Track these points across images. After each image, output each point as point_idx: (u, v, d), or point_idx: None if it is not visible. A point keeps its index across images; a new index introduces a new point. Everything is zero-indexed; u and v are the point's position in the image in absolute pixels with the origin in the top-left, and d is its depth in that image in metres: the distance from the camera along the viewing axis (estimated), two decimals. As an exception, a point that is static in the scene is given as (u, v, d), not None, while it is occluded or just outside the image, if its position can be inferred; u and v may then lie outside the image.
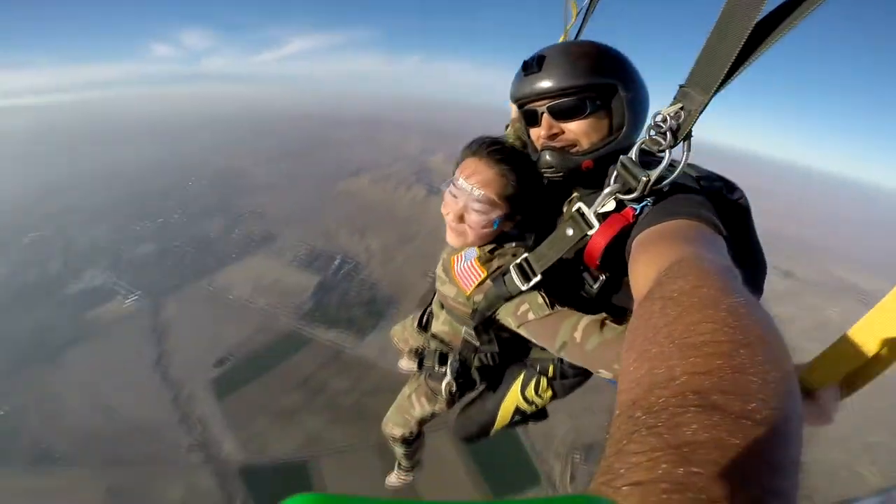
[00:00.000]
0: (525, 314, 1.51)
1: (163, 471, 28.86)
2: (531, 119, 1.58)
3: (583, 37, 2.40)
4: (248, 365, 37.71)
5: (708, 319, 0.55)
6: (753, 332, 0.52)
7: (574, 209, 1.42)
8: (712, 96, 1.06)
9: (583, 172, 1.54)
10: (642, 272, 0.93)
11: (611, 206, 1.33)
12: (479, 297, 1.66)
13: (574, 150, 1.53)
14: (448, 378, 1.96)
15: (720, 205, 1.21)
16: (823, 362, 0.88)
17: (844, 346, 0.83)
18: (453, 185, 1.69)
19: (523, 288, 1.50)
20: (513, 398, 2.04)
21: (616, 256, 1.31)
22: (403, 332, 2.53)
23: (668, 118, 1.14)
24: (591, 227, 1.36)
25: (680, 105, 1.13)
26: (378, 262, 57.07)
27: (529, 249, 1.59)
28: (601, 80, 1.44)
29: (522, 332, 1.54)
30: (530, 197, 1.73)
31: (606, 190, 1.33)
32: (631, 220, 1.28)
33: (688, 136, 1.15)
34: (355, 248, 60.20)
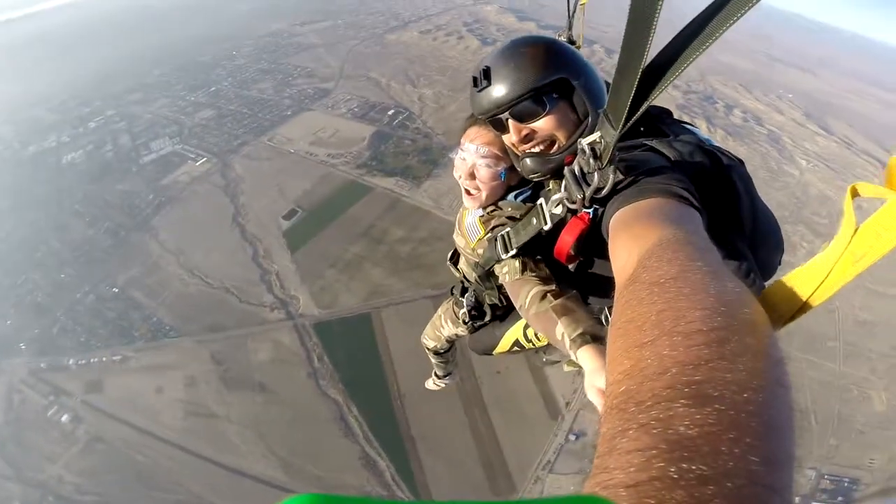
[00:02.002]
0: (504, 275, 1.71)
1: (252, 332, 30.49)
2: (499, 127, 1.64)
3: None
4: (314, 216, 38.47)
5: (697, 306, 0.53)
6: (742, 318, 0.51)
7: (538, 203, 1.53)
8: (621, 132, 1.06)
9: (567, 164, 1.54)
10: (623, 255, 0.90)
11: (558, 210, 1.43)
12: (480, 251, 1.90)
13: (553, 147, 1.61)
14: (464, 309, 2.27)
15: (701, 181, 1.21)
16: (772, 297, 0.91)
17: (792, 280, 0.87)
18: (461, 149, 1.85)
19: (504, 257, 1.68)
20: (515, 332, 2.18)
21: (583, 249, 1.42)
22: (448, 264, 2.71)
23: (590, 145, 1.17)
24: (545, 222, 1.48)
25: (599, 134, 1.16)
26: (431, 111, 54.82)
27: (523, 217, 1.65)
28: (551, 76, 1.48)
29: (505, 287, 1.77)
30: None
31: (555, 196, 1.42)
32: (587, 223, 1.36)
33: (612, 161, 1.16)
34: (408, 98, 57.76)
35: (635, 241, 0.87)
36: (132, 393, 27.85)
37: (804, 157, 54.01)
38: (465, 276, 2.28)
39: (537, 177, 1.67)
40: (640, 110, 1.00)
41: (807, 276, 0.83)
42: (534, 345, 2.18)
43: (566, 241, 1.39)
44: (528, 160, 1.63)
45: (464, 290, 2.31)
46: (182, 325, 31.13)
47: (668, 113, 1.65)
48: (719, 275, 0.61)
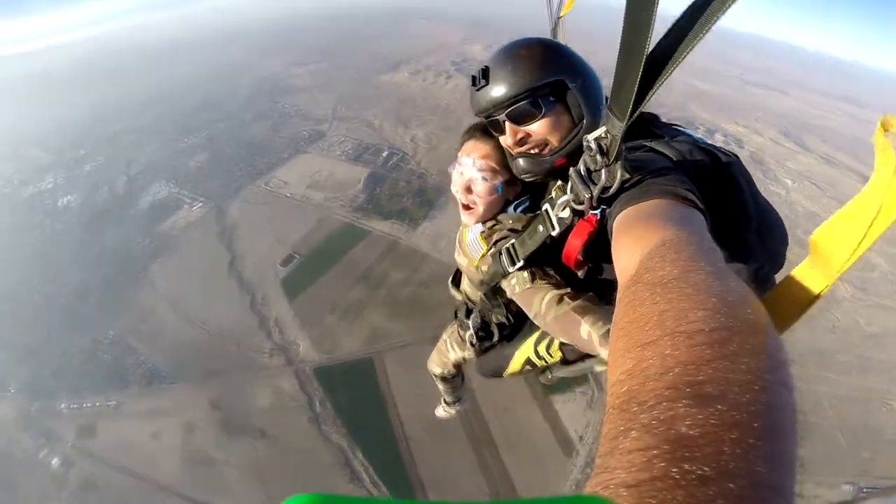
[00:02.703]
0: (513, 287, 1.64)
1: (251, 377, 30.18)
2: (496, 128, 1.66)
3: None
4: (312, 261, 38.62)
5: (699, 306, 0.53)
6: (745, 319, 0.51)
7: (543, 209, 1.49)
8: (628, 123, 1.05)
9: (558, 169, 1.60)
10: (625, 256, 0.90)
11: (565, 214, 1.39)
12: (484, 268, 1.82)
13: (546, 149, 1.60)
14: (471, 331, 2.19)
15: (703, 180, 1.22)
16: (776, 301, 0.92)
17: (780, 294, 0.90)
18: (458, 164, 1.86)
19: (510, 270, 1.62)
20: (526, 350, 2.10)
21: (592, 253, 1.38)
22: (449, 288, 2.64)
23: (597, 141, 1.17)
24: (553, 228, 1.44)
25: (605, 129, 1.16)
26: (424, 151, 55.82)
27: (525, 227, 1.65)
28: (548, 78, 1.49)
29: (514, 299, 1.69)
30: None
31: (562, 199, 1.37)
32: (595, 225, 1.33)
33: (619, 157, 1.16)
34: (401, 139, 58.87)
35: (637, 242, 0.87)
36: (127, 438, 27.19)
37: (788, 177, 55.46)
38: (468, 297, 2.26)
39: (529, 177, 1.68)
40: (647, 99, 0.99)
41: (846, 224, 0.81)
42: (546, 361, 2.08)
43: (574, 245, 1.36)
44: (520, 161, 1.65)
45: (468, 312, 2.26)
46: (179, 371, 30.73)
47: (657, 117, 1.64)
48: (722, 275, 0.60)
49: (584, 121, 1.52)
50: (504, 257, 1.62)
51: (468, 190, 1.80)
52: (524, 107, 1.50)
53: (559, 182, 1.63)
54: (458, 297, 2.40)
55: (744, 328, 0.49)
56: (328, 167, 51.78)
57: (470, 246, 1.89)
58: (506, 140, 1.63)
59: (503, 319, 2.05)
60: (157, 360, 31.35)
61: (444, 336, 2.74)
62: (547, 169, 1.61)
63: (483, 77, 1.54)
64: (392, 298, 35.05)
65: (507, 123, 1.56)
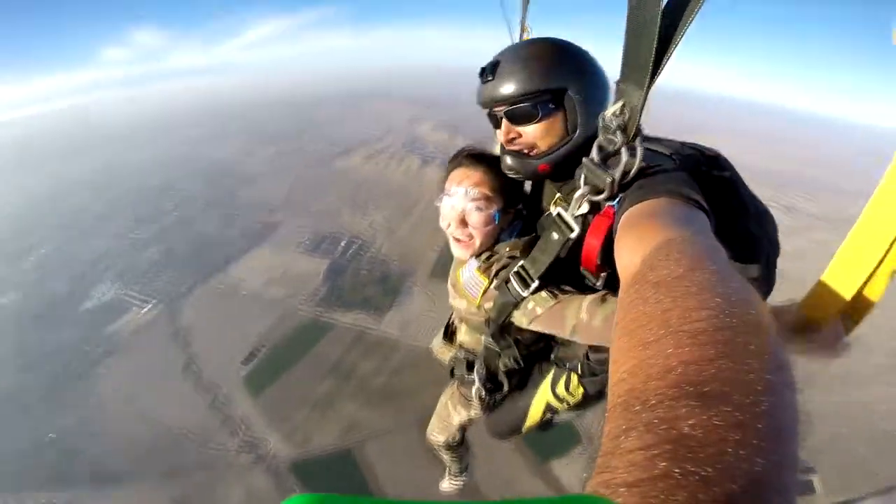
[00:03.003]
0: (533, 310, 1.58)
1: (219, 475, 29.43)
2: (494, 122, 1.70)
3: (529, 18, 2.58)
4: (275, 358, 38.29)
5: (703, 306, 0.54)
6: (749, 320, 0.52)
7: (555, 214, 1.47)
8: (647, 91, 1.09)
9: (540, 174, 1.67)
10: (627, 255, 0.93)
11: (584, 208, 1.37)
12: (488, 305, 1.76)
13: (533, 152, 1.64)
14: (476, 384, 2.11)
15: (700, 179, 1.24)
16: (819, 293, 0.92)
17: (835, 273, 0.86)
18: (447, 196, 1.82)
19: (525, 294, 1.58)
20: (543, 396, 2.04)
21: (609, 257, 1.29)
22: (440, 344, 2.51)
23: (615, 117, 1.19)
24: (571, 230, 1.42)
25: (622, 103, 1.18)
26: (384, 236, 57.31)
27: (526, 250, 1.68)
28: (551, 85, 1.51)
29: (535, 326, 1.62)
30: (519, 188, 1.91)
31: (578, 193, 1.36)
32: (612, 219, 1.30)
33: (638, 133, 1.19)
34: (359, 226, 60.19)
35: (640, 241, 0.89)
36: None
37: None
38: (468, 349, 2.15)
39: (512, 175, 1.71)
40: (668, 56, 1.03)
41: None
42: (568, 402, 1.99)
43: (593, 245, 1.36)
44: (508, 157, 1.68)
45: (469, 366, 2.13)
46: (134, 471, 29.52)
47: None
48: (725, 275, 0.62)
49: (578, 132, 1.56)
50: (514, 283, 1.58)
51: (462, 223, 1.77)
52: (522, 109, 1.54)
53: (557, 195, 1.71)
54: (449, 353, 2.32)
55: (747, 328, 0.50)
56: (285, 261, 51.98)
57: (468, 285, 1.82)
58: (499, 135, 1.67)
59: (512, 364, 1.96)
60: (108, 460, 29.98)
61: (444, 399, 2.64)
62: (530, 171, 1.65)
63: (491, 72, 1.56)
64: (365, 388, 34.75)
65: (503, 121, 1.60)
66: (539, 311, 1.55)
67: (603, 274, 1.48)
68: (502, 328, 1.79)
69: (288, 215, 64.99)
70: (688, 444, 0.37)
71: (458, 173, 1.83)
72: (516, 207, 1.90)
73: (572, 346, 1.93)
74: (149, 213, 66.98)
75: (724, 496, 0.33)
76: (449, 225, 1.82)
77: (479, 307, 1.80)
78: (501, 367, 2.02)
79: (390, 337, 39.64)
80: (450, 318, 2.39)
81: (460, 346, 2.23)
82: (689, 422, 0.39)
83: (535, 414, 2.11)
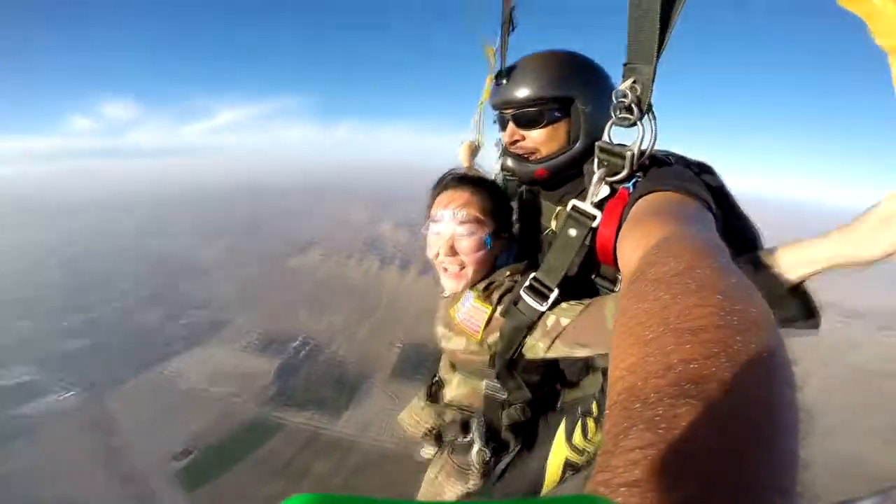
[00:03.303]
0: (556, 325, 1.44)
1: None
2: (502, 124, 1.76)
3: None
4: (216, 455, 37.07)
5: (703, 303, 0.55)
6: (749, 318, 0.53)
7: (569, 209, 1.46)
8: (656, 64, 1.22)
9: (537, 179, 1.72)
10: (631, 250, 0.96)
11: (605, 191, 1.40)
12: (493, 339, 1.62)
13: (533, 157, 1.70)
14: (478, 445, 1.81)
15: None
16: None
17: None
18: (433, 222, 1.74)
19: (542, 308, 1.46)
20: (559, 452, 1.84)
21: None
22: (412, 416, 2.23)
23: (628, 93, 1.27)
24: (592, 218, 1.39)
25: (632, 79, 1.27)
26: (342, 338, 57.59)
27: (531, 269, 1.59)
28: (560, 94, 1.59)
29: (558, 348, 1.45)
30: (508, 210, 1.86)
31: (595, 178, 1.41)
32: (628, 200, 1.32)
33: (650, 108, 1.28)
34: (315, 327, 60.40)
35: (642, 237, 0.92)
36: None
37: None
38: (461, 405, 1.92)
39: (510, 176, 1.82)
40: (668, 38, 1.17)
41: None
42: (588, 451, 1.80)
43: (607, 235, 1.32)
44: (508, 159, 1.74)
45: (465, 426, 1.88)
46: None
47: None
48: (726, 272, 0.63)
49: (579, 143, 1.62)
50: (528, 299, 1.48)
51: (452, 251, 1.68)
52: (528, 113, 1.61)
53: (558, 209, 1.73)
54: (430, 419, 2.07)
55: (747, 325, 0.51)
56: (232, 359, 51.09)
57: (467, 318, 1.68)
58: (504, 136, 1.73)
59: (518, 415, 1.79)
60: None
61: (431, 475, 2.17)
62: (527, 174, 1.70)
63: (507, 75, 1.64)
64: (321, 488, 30.31)
65: (510, 123, 1.67)
66: (565, 322, 1.42)
67: (619, 276, 1.49)
68: (510, 364, 1.64)
69: (237, 313, 64.50)
70: (686, 443, 0.38)
71: (444, 197, 1.75)
72: (509, 232, 1.84)
73: (581, 385, 1.85)
74: (84, 302, 65.25)
75: (724, 496, 0.34)
76: (437, 254, 1.71)
77: (481, 342, 1.64)
78: (505, 421, 1.82)
79: (347, 437, 39.07)
80: (432, 377, 2.16)
81: (449, 404, 1.97)
82: (689, 420, 0.40)
83: (553, 475, 1.87)
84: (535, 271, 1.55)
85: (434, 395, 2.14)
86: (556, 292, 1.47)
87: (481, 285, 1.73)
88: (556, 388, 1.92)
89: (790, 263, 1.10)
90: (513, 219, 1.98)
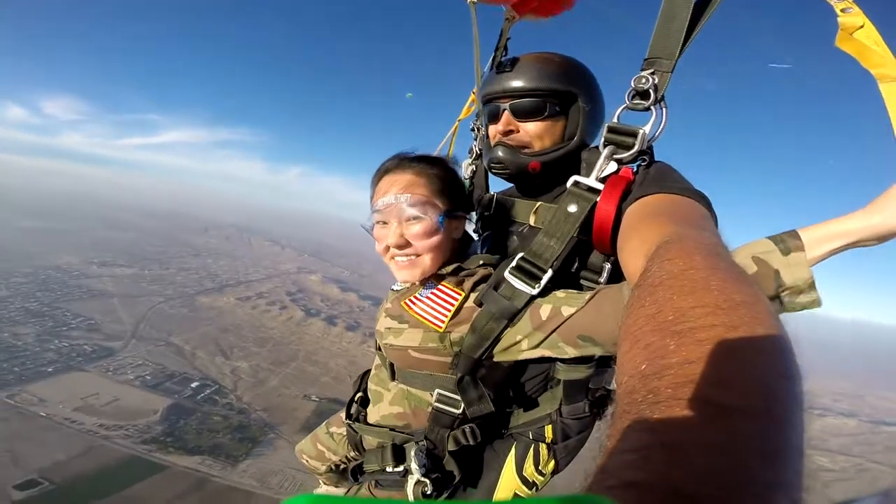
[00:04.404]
0: (556, 314, 1.28)
1: None
2: (493, 116, 1.68)
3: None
4: (66, 491, 33.50)
5: (698, 303, 0.56)
6: (744, 314, 0.53)
7: (569, 185, 1.39)
8: (677, 60, 1.33)
9: (528, 173, 1.63)
10: (633, 256, 0.97)
11: (612, 167, 1.36)
12: (458, 334, 1.42)
13: (525, 151, 1.63)
14: (417, 475, 1.49)
15: None
16: None
17: None
18: (375, 213, 1.51)
19: (533, 291, 1.32)
20: (508, 484, 1.61)
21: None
22: (316, 446, 2.08)
23: (648, 78, 1.33)
24: (597, 192, 1.32)
25: (652, 69, 1.33)
26: (248, 385, 54.51)
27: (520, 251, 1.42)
28: (564, 87, 1.58)
29: (558, 342, 1.30)
30: (461, 186, 1.66)
31: (604, 153, 1.36)
32: (632, 178, 1.32)
33: (663, 98, 1.34)
34: (218, 371, 57.16)
35: (643, 242, 0.93)
36: None
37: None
38: (392, 427, 1.61)
39: (500, 168, 1.64)
40: (692, 37, 1.31)
41: None
42: (538, 487, 1.64)
43: (606, 211, 1.27)
44: (499, 150, 1.62)
45: (397, 452, 1.57)
46: None
47: None
48: (724, 271, 0.64)
49: (574, 140, 1.61)
50: (515, 281, 1.34)
51: (402, 240, 1.46)
52: (530, 103, 1.58)
53: (538, 204, 1.66)
54: (341, 449, 1.99)
55: (744, 322, 0.52)
56: (112, 390, 47.30)
57: (428, 305, 1.48)
58: (496, 128, 1.66)
59: (466, 438, 1.51)
60: None
61: None
62: (520, 165, 1.61)
63: (510, 64, 1.62)
64: None
65: (505, 112, 1.62)
66: (569, 310, 1.26)
67: (608, 266, 1.43)
68: (475, 367, 1.43)
69: (131, 343, 60.06)
70: (684, 444, 0.39)
71: (384, 182, 1.55)
72: (466, 212, 1.68)
73: (538, 404, 1.65)
74: None
75: (724, 495, 0.34)
76: (387, 248, 1.51)
77: (443, 336, 1.42)
78: (451, 446, 1.52)
79: (242, 487, 36.33)
80: (354, 394, 1.87)
81: (373, 427, 1.66)
82: (686, 421, 0.41)
83: None
84: (525, 251, 1.40)
85: (356, 415, 1.79)
86: (549, 273, 1.33)
87: (449, 268, 1.51)
88: (507, 409, 1.65)
89: (820, 237, 1.14)
90: (469, 196, 1.86)
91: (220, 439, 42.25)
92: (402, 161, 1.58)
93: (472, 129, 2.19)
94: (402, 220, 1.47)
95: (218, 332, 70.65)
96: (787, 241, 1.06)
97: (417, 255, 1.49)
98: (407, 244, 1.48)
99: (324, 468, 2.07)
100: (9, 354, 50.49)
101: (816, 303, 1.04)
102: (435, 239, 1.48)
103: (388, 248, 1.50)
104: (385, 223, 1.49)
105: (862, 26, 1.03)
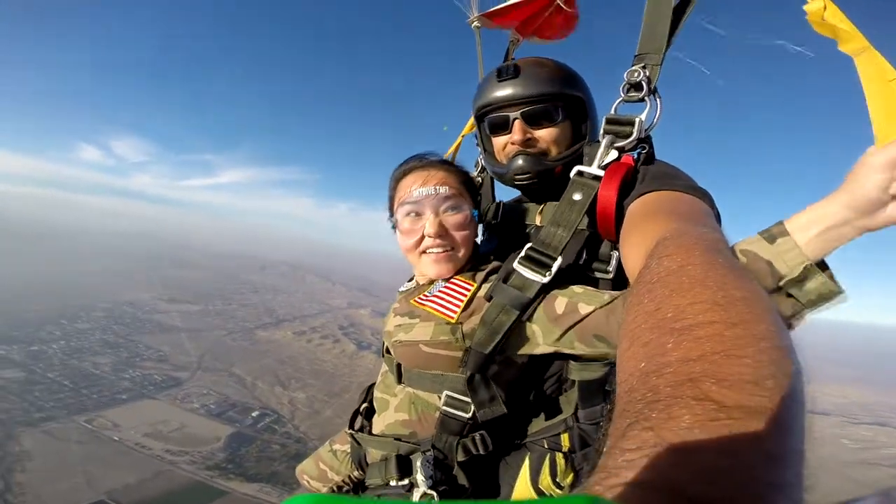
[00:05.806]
0: (573, 310, 1.24)
1: None
2: (499, 126, 1.63)
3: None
4: None
5: (696, 300, 0.56)
6: (743, 310, 0.53)
7: (573, 175, 1.40)
8: (665, 54, 1.42)
9: (555, 179, 1.60)
10: (632, 253, 1.00)
11: (613, 155, 1.40)
12: (469, 327, 1.37)
13: (547, 158, 1.61)
14: (423, 488, 1.41)
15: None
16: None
17: None
18: (408, 204, 1.50)
19: (544, 279, 1.28)
20: (523, 497, 1.52)
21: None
22: (318, 465, 1.95)
23: (639, 72, 1.40)
24: (599, 179, 1.34)
25: (642, 63, 1.42)
26: (304, 415, 55.95)
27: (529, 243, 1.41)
28: (572, 92, 1.60)
29: (573, 340, 1.25)
30: (477, 192, 1.69)
31: (604, 142, 1.40)
32: (633, 164, 1.38)
33: (656, 89, 1.43)
34: (277, 401, 58.92)
35: (643, 239, 0.94)
36: None
37: None
38: (398, 436, 1.50)
39: (525, 178, 1.60)
40: (676, 34, 1.40)
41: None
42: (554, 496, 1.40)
43: (607, 196, 1.29)
44: (520, 159, 1.57)
45: (402, 463, 1.46)
46: None
47: None
48: (721, 266, 0.64)
49: (584, 141, 1.62)
50: (524, 270, 1.31)
51: (443, 229, 1.46)
52: (544, 108, 1.56)
53: (542, 206, 1.70)
54: (338, 473, 1.85)
55: (743, 319, 0.52)
56: (179, 418, 49.53)
57: (440, 296, 1.46)
58: (505, 140, 1.62)
59: (477, 447, 1.42)
60: None
61: None
62: (545, 171, 1.59)
63: (513, 71, 1.57)
64: None
65: (517, 122, 1.57)
66: (586, 308, 1.23)
67: (615, 254, 1.43)
68: (487, 365, 1.35)
69: (195, 375, 62.94)
70: (683, 442, 0.38)
71: (415, 176, 1.55)
72: (484, 216, 1.76)
73: (560, 408, 1.54)
74: (28, 335, 63.67)
75: (724, 494, 0.34)
76: (421, 239, 1.50)
77: (454, 328, 1.38)
78: (461, 456, 1.43)
79: None
80: (359, 405, 1.81)
81: (378, 438, 1.58)
82: (685, 419, 0.40)
83: None
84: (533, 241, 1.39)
85: (360, 427, 1.70)
86: (559, 260, 1.30)
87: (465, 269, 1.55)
88: (520, 413, 1.50)
89: (805, 222, 1.03)
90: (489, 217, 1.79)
91: (277, 467, 43.37)
92: (428, 161, 1.61)
93: (478, 145, 2.04)
94: (439, 210, 1.49)
95: (276, 364, 73.08)
96: (771, 230, 1.01)
97: (452, 248, 1.50)
98: (445, 233, 1.48)
99: (325, 490, 1.90)
100: (89, 381, 54.08)
101: (834, 291, 0.95)
102: (470, 232, 1.53)
103: (418, 243, 1.50)
104: (419, 215, 1.50)
105: (825, 8, 1.05)
